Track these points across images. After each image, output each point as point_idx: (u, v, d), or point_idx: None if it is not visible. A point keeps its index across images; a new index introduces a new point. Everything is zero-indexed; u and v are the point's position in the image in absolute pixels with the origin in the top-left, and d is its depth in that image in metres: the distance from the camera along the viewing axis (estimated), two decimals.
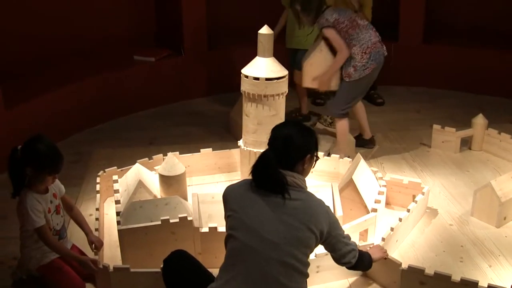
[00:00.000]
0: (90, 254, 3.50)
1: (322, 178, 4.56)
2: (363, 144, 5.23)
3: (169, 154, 4.35)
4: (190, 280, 2.86)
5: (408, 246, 3.87)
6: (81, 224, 3.57)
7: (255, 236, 2.62)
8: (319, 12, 4.64)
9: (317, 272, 3.41)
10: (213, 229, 3.53)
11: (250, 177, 2.78)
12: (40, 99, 5.18)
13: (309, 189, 3.83)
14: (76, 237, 3.85)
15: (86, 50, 6.10)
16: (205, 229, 3.56)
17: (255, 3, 6.61)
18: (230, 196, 2.80)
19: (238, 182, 2.89)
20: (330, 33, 4.61)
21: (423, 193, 4.09)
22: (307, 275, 2.73)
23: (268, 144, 2.83)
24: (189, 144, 5.20)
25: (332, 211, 3.73)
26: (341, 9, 4.77)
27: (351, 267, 3.01)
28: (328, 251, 2.92)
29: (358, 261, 2.98)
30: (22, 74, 5.48)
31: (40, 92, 5.26)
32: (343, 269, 3.18)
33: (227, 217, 2.77)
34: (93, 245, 3.47)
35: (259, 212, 2.66)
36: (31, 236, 3.25)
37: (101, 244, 3.54)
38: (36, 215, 3.17)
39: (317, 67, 4.72)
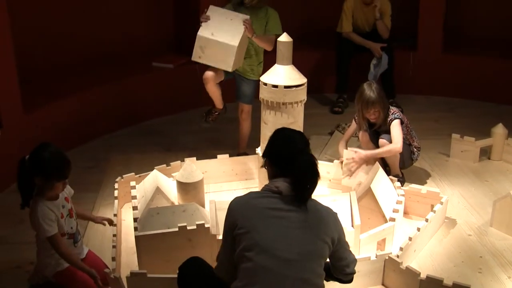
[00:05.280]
0: (107, 260, 3.52)
1: (340, 186, 4.54)
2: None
3: (187, 160, 4.36)
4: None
5: (426, 256, 3.85)
6: (82, 213, 3.61)
7: (268, 255, 2.54)
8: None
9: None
10: None
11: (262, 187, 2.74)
12: (59, 105, 5.23)
13: (328, 198, 3.86)
14: (92, 243, 3.87)
15: (105, 56, 6.14)
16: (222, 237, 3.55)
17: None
18: (239, 213, 2.66)
19: (244, 196, 2.77)
20: (397, 124, 4.52)
21: (441, 203, 4.07)
22: (323, 286, 2.68)
23: (272, 149, 2.80)
24: (206, 151, 5.21)
25: (350, 220, 3.71)
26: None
27: (345, 280, 2.91)
28: (333, 261, 2.80)
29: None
30: (41, 79, 5.52)
31: (58, 97, 5.31)
32: (362, 278, 3.14)
33: (236, 234, 2.63)
34: (105, 223, 3.62)
35: (270, 230, 2.59)
36: (45, 243, 3.25)
37: (111, 220, 3.66)
38: (47, 224, 3.16)
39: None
